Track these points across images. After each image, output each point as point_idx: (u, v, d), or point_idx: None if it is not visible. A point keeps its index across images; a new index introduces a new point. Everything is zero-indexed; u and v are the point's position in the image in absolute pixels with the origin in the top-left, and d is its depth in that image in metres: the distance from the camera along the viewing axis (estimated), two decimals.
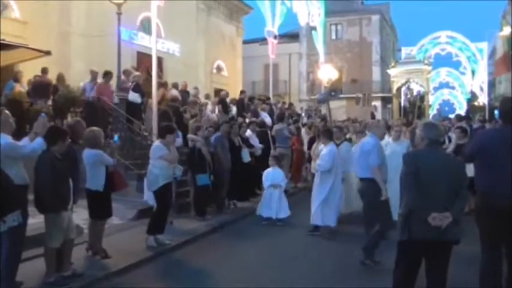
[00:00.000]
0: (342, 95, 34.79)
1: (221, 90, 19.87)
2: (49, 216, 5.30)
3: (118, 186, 6.78)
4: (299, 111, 20.53)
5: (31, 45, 10.69)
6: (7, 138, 4.98)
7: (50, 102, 10.92)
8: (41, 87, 10.97)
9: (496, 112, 25.69)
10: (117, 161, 7.21)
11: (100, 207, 6.46)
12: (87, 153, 6.36)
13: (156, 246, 7.10)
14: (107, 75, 11.78)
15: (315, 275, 6.12)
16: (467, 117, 15.74)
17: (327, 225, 8.02)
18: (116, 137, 7.59)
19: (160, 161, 7.17)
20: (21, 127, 7.88)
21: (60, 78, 11.85)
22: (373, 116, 21.15)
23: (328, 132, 8.64)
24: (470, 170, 4.44)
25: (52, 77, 11.72)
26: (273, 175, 9.39)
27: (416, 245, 3.99)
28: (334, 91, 17.48)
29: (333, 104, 19.74)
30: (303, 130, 14.22)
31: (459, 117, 14.99)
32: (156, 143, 7.47)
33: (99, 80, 11.94)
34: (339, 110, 33.25)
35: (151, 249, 7.03)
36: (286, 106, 18.66)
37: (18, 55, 10.50)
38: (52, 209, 5.24)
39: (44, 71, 11.44)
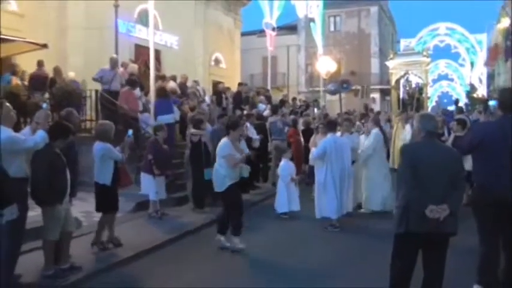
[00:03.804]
0: None
1: (219, 82, 19.83)
2: (46, 209, 5.31)
3: (122, 182, 6.76)
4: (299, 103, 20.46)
5: (28, 38, 10.64)
6: (8, 132, 4.93)
7: (46, 95, 10.88)
8: (38, 80, 10.94)
9: (490, 104, 25.52)
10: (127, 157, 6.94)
11: (106, 201, 6.47)
12: (97, 147, 6.37)
13: (229, 246, 6.78)
14: (134, 83, 11.04)
15: (314, 270, 6.09)
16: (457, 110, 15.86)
17: (325, 216, 8.05)
18: (129, 132, 7.13)
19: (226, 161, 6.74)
20: (19, 120, 7.85)
21: (57, 71, 11.81)
22: (367, 108, 20.90)
23: (330, 123, 8.63)
24: (467, 163, 4.43)
25: (49, 70, 11.67)
26: (292, 168, 9.33)
27: (414, 238, 3.98)
28: (346, 83, 17.14)
29: (332, 96, 19.64)
30: (300, 121, 14.16)
31: (459, 110, 15.08)
32: (224, 139, 6.90)
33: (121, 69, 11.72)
34: (337, 102, 33.14)
35: (150, 241, 7.03)
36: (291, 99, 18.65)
37: (15, 48, 10.46)
38: (48, 202, 5.25)
39: (40, 63, 11.38)
